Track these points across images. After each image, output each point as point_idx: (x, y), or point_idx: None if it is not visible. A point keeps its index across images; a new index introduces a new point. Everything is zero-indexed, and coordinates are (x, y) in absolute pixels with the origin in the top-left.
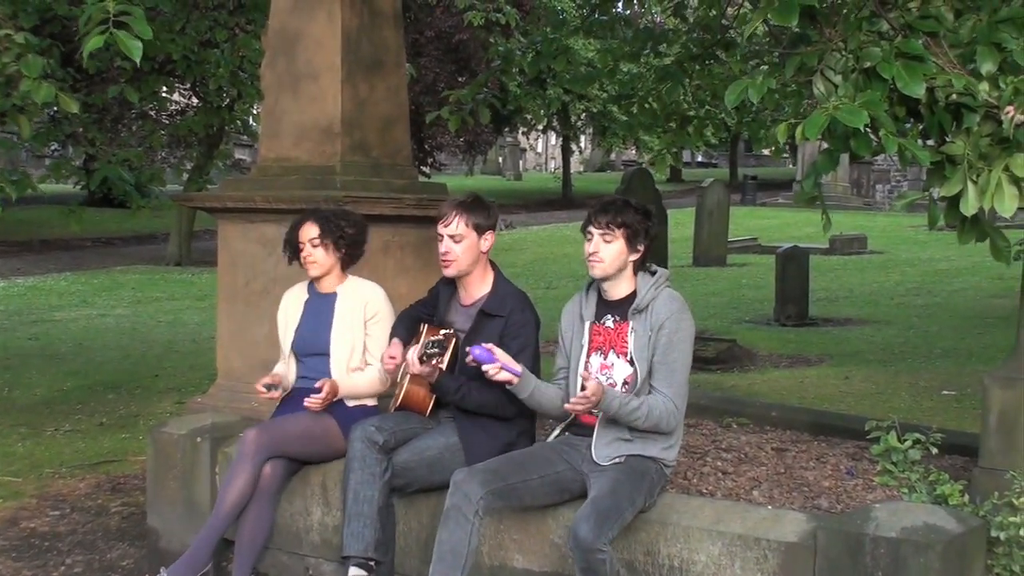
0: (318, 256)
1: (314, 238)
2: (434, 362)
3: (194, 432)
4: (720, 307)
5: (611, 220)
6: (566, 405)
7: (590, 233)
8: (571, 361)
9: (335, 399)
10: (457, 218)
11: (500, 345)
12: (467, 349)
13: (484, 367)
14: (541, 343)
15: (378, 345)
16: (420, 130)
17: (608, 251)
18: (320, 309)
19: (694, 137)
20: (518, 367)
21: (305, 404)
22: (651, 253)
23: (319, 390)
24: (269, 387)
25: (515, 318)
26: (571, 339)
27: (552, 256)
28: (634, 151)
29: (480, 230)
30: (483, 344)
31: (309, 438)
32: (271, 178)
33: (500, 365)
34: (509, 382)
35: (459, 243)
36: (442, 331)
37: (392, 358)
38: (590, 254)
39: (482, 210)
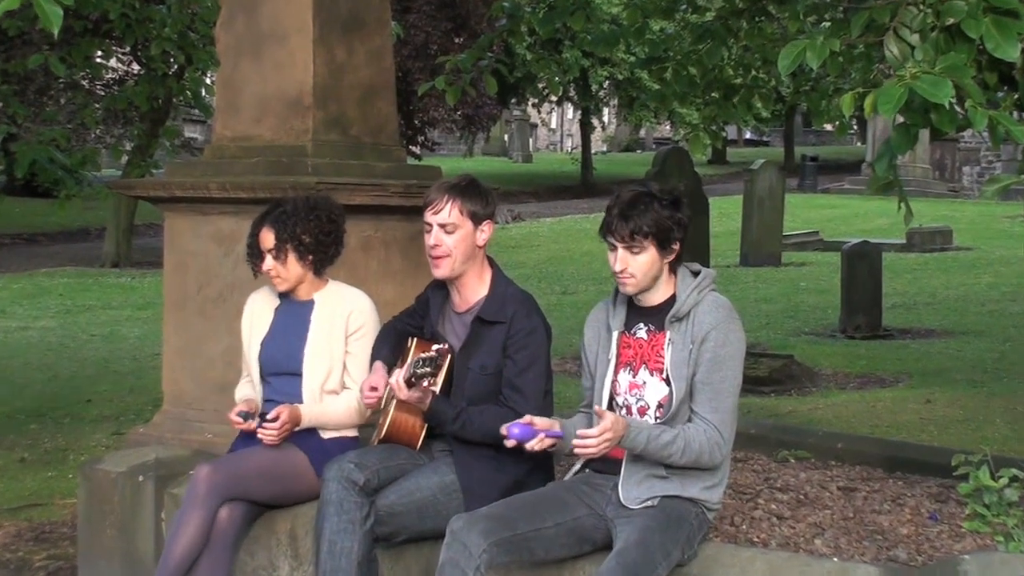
0: (280, 271)
1: (271, 248)
2: (425, 384)
3: (135, 469)
4: (774, 316)
5: (636, 229)
6: (573, 446)
7: (611, 244)
8: (595, 380)
9: (298, 429)
10: (449, 204)
11: (503, 360)
12: (503, 431)
13: (527, 444)
14: (556, 360)
15: (360, 365)
16: (409, 102)
17: (638, 264)
18: (293, 319)
19: (740, 109)
20: (558, 428)
21: (258, 435)
22: (686, 243)
23: (274, 419)
24: (245, 416)
25: (519, 324)
26: (596, 353)
27: (569, 254)
28: (668, 127)
29: (476, 219)
30: (519, 421)
31: (274, 477)
32: (228, 161)
33: (543, 435)
34: (552, 447)
35: (451, 234)
36: (434, 347)
37: (374, 389)
38: (617, 272)
39: (478, 195)
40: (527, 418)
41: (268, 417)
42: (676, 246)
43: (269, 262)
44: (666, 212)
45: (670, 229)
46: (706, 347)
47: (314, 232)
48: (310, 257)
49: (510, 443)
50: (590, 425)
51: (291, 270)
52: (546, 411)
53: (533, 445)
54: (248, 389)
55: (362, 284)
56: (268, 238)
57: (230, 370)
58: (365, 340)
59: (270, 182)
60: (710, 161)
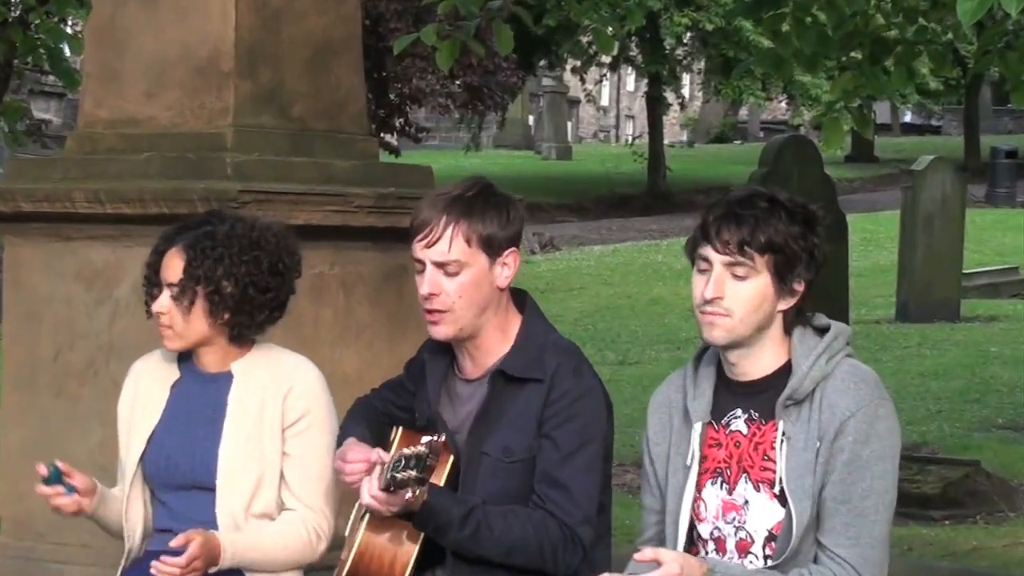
0: (175, 320)
1: (175, 284)
2: (408, 496)
3: None
4: (950, 399)
5: (746, 237)
6: None
7: (705, 260)
8: (667, 499)
9: (214, 572)
10: (449, 230)
11: (539, 439)
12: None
13: None
14: (612, 466)
15: (306, 473)
16: (381, 66)
17: (740, 295)
18: (200, 402)
19: (896, 77)
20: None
21: (152, 573)
22: (815, 293)
23: (179, 551)
24: (56, 476)
25: (564, 385)
26: (666, 455)
27: (629, 303)
28: (784, 104)
29: (493, 249)
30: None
31: None
32: (104, 157)
33: None
34: None
35: (454, 277)
36: (423, 439)
37: (350, 461)
38: (706, 301)
39: (494, 210)
40: (648, 554)
41: (171, 545)
42: (800, 287)
43: (164, 301)
44: (796, 229)
45: (797, 256)
46: (841, 445)
47: (245, 281)
48: (226, 316)
49: None
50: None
51: (193, 326)
52: (601, 537)
53: None
54: (119, 498)
55: (310, 347)
56: (174, 265)
57: (105, 479)
58: (311, 435)
59: (169, 190)
60: (848, 157)
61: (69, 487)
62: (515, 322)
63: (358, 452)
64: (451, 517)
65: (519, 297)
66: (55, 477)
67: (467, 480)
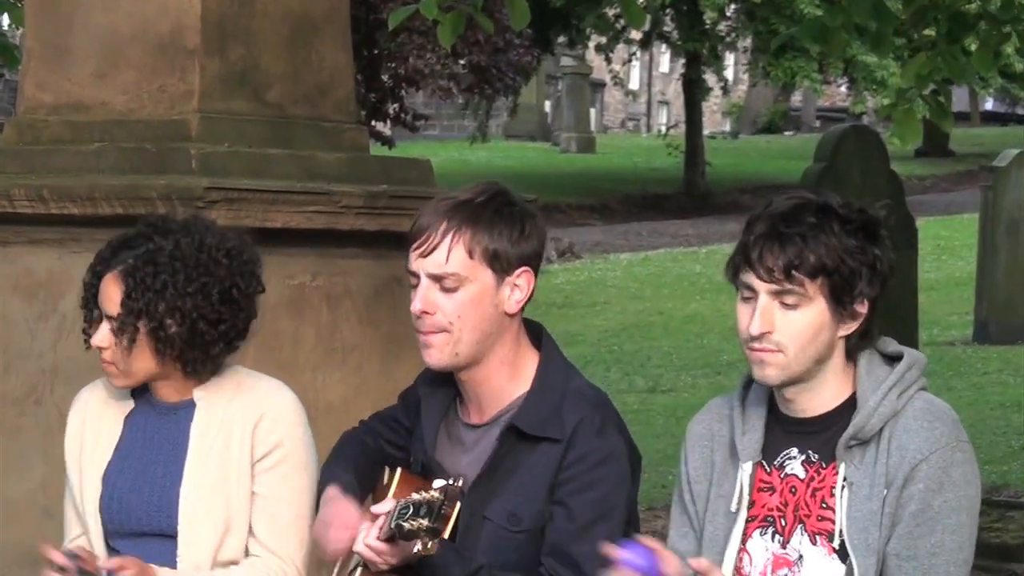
0: (117, 356)
1: (114, 317)
2: (416, 550)
3: None
4: None
5: (793, 260)
6: None
7: (748, 289)
8: (705, 547)
9: None
10: (448, 238)
11: (551, 504)
12: (614, 557)
13: None
14: (640, 511)
15: (276, 517)
16: (372, 43)
17: (792, 327)
18: (158, 436)
19: (978, 60)
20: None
21: None
22: (879, 308)
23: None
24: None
25: (585, 446)
26: (706, 498)
27: (662, 320)
28: (844, 89)
29: (501, 265)
30: (634, 540)
31: None
32: (48, 148)
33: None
34: None
35: (452, 293)
36: (436, 483)
37: (332, 538)
38: (753, 339)
39: (505, 221)
40: (651, 542)
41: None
42: (863, 307)
43: (103, 335)
44: (851, 242)
45: (856, 272)
46: (911, 493)
47: (192, 316)
48: (176, 353)
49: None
50: None
51: (137, 364)
52: None
53: None
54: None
55: (287, 372)
56: (112, 295)
57: (48, 523)
58: (283, 471)
59: (124, 187)
60: (919, 151)
61: (85, 574)
62: (529, 361)
63: (342, 521)
64: (453, 575)
65: (533, 331)
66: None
67: (465, 544)
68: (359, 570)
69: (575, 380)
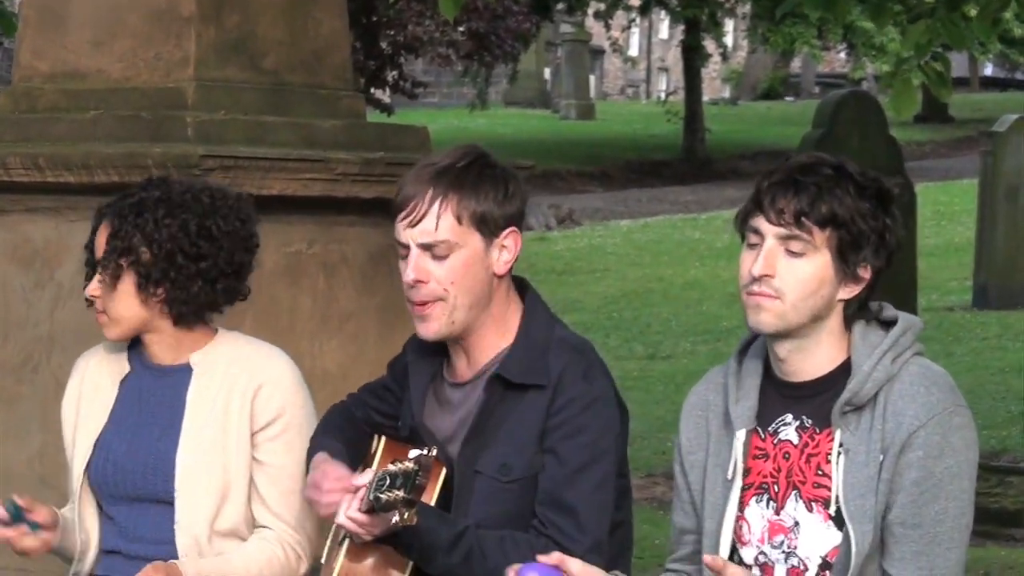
0: (106, 302)
1: (105, 256)
2: (395, 520)
3: None
4: None
5: (805, 207)
6: None
7: (756, 233)
8: (703, 517)
9: None
10: (436, 206)
11: (541, 454)
12: (509, 574)
13: None
14: (637, 478)
15: (282, 485)
16: (372, 10)
17: (794, 274)
18: (154, 401)
19: (979, 26)
20: None
21: None
22: (880, 283)
23: None
24: (16, 513)
25: (572, 391)
26: (703, 467)
27: (661, 286)
28: (843, 55)
29: (489, 228)
30: (541, 562)
31: None
32: (44, 116)
33: None
34: None
35: (443, 260)
36: (411, 452)
37: (326, 491)
38: (754, 279)
39: (489, 183)
40: (555, 556)
41: None
42: (866, 273)
43: (93, 283)
44: (865, 205)
45: (865, 236)
46: (909, 461)
47: (168, 247)
48: (159, 291)
49: None
50: None
51: (123, 305)
52: (617, 556)
53: None
54: (70, 516)
55: (284, 340)
56: (101, 240)
57: (48, 492)
58: (287, 440)
59: (120, 155)
60: (918, 117)
61: (33, 524)
62: (515, 315)
63: (333, 478)
64: (439, 540)
65: (519, 285)
66: (16, 515)
67: (460, 502)
68: (346, 542)
69: (558, 329)
